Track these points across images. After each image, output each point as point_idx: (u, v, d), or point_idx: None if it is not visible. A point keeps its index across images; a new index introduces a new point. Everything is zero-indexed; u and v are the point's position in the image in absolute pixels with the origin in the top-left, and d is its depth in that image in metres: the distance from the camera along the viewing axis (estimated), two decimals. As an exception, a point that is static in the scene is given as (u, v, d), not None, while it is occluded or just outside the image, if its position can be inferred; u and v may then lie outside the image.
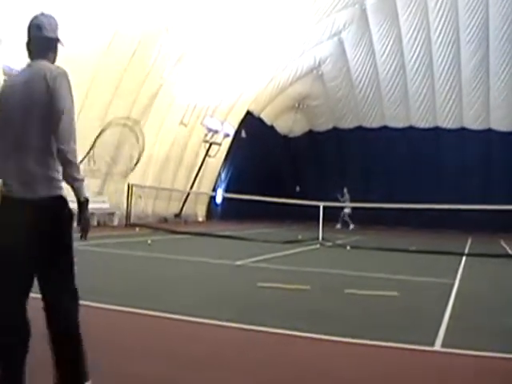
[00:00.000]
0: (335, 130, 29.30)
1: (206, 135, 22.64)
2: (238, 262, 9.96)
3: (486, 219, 20.85)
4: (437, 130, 27.06)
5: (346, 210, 22.94)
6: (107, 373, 3.61)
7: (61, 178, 2.90)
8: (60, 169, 2.88)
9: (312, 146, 29.54)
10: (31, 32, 2.99)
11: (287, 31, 21.23)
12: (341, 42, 25.33)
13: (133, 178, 18.85)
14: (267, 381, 3.71)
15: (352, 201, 21.79)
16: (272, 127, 28.88)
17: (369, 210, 19.98)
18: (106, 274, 8.23)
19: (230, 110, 23.73)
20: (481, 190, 23.88)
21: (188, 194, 22.75)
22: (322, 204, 15.91)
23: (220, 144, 23.67)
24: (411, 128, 27.52)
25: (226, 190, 26.19)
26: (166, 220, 21.55)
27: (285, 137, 30.40)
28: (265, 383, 3.68)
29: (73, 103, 2.89)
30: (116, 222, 18.65)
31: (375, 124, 28.27)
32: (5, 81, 3.14)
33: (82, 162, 3.18)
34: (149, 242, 12.80)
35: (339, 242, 15.27)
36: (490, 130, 25.99)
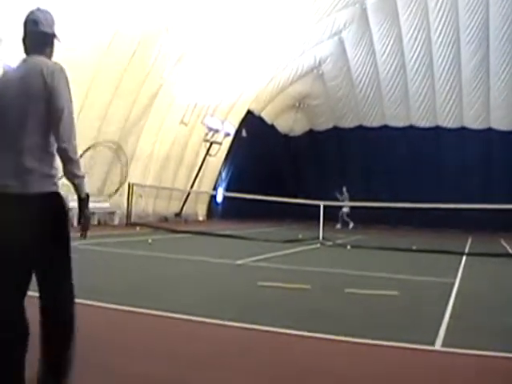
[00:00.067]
0: (336, 129, 29.29)
1: (206, 134, 22.64)
2: (239, 262, 9.96)
3: (486, 218, 20.86)
4: (437, 129, 27.04)
5: (345, 210, 22.93)
6: (107, 372, 3.62)
7: (57, 174, 2.90)
8: (56, 165, 2.88)
9: (312, 145, 29.54)
10: (27, 27, 2.98)
11: (287, 30, 21.23)
12: (341, 42, 25.31)
13: (133, 178, 18.89)
14: (268, 380, 3.71)
15: (353, 200, 21.77)
16: (272, 126, 28.88)
17: (369, 209, 19.98)
18: (106, 273, 8.23)
19: (230, 109, 23.74)
20: (481, 189, 23.87)
21: (188, 194, 22.76)
22: (322, 203, 15.92)
23: (220, 143, 23.68)
24: (411, 127, 27.51)
25: (227, 189, 26.20)
26: (166, 219, 21.56)
27: (285, 136, 30.39)
28: (266, 382, 3.68)
29: (71, 99, 2.88)
30: (116, 221, 18.66)
31: (376, 123, 28.25)
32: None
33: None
34: (149, 241, 12.81)
35: (339, 241, 15.28)
36: (490, 130, 25.96)
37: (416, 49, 24.73)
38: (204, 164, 23.14)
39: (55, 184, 2.89)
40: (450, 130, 26.71)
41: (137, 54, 16.64)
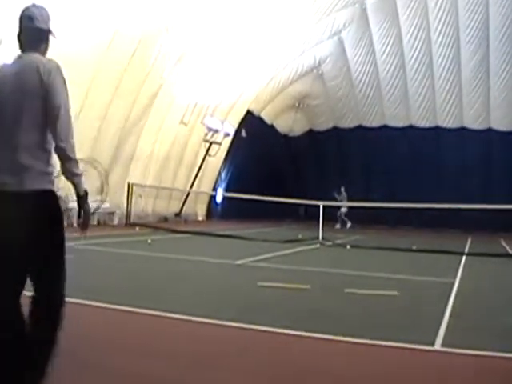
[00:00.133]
0: (335, 129, 29.29)
1: (206, 134, 22.64)
2: (238, 262, 9.96)
3: (486, 219, 20.87)
4: (437, 129, 27.05)
5: (343, 209, 22.94)
6: (107, 372, 3.62)
7: (54, 172, 2.89)
8: (53, 162, 2.87)
9: (312, 145, 29.55)
10: (22, 23, 2.96)
11: (287, 30, 21.23)
12: (341, 42, 25.31)
13: (133, 178, 18.89)
14: (267, 380, 3.71)
15: (352, 200, 21.77)
16: (272, 126, 28.88)
17: (369, 209, 19.99)
18: (106, 273, 8.22)
19: (230, 110, 23.74)
20: (481, 189, 23.88)
21: (188, 194, 22.76)
22: (321, 203, 15.93)
23: (220, 143, 23.68)
24: (411, 127, 27.51)
25: (226, 190, 26.20)
26: (166, 219, 21.56)
27: (285, 136, 30.39)
28: (265, 382, 3.68)
29: (68, 97, 2.87)
30: (116, 222, 18.65)
31: (375, 123, 28.25)
32: None
33: None
34: (149, 241, 12.80)
35: (339, 241, 15.28)
36: (490, 130, 25.96)
37: (416, 49, 24.73)
38: (204, 164, 23.14)
39: (51, 182, 2.88)
40: (449, 130, 26.71)
41: (137, 53, 16.64)
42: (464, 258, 12.46)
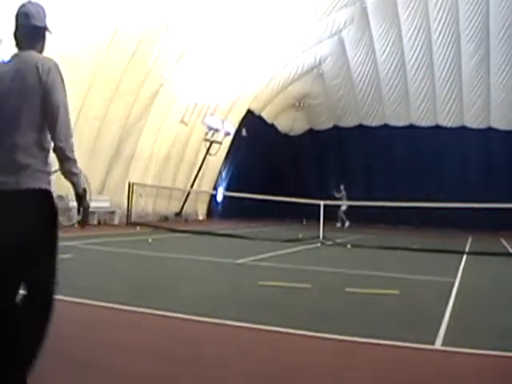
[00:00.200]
0: (336, 128, 29.29)
1: (206, 134, 22.64)
2: (239, 261, 9.96)
3: (486, 218, 20.84)
4: (437, 128, 27.05)
5: (342, 208, 22.95)
6: (108, 371, 3.62)
7: (51, 170, 2.89)
8: (50, 161, 2.87)
9: (313, 144, 29.54)
10: (18, 20, 2.94)
11: (288, 30, 21.23)
12: (341, 41, 25.31)
13: (133, 177, 18.90)
14: (267, 379, 3.71)
15: (353, 199, 21.77)
16: (272, 126, 28.89)
17: (369, 208, 19.98)
18: (106, 272, 8.22)
19: (230, 109, 23.74)
20: (481, 188, 23.87)
21: (189, 193, 22.77)
22: (322, 202, 15.93)
23: (221, 142, 23.67)
24: (412, 127, 27.50)
25: (227, 189, 26.20)
26: (166, 219, 21.57)
27: (285, 135, 30.40)
28: (265, 381, 3.68)
29: (66, 96, 2.86)
30: (117, 221, 18.65)
31: (376, 122, 28.25)
32: None
33: None
34: (149, 240, 12.80)
35: (340, 240, 15.28)
36: (490, 129, 25.97)
37: (416, 48, 24.72)
38: (204, 163, 23.14)
39: (48, 181, 2.88)
40: (450, 130, 26.71)
41: (137, 52, 16.63)
42: (464, 257, 12.47)
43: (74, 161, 2.87)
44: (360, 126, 28.60)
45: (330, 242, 14.77)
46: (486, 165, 25.81)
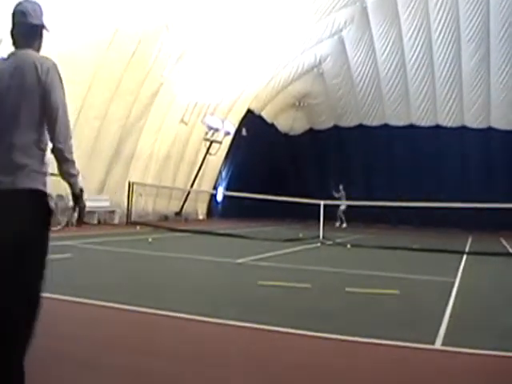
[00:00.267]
0: (336, 128, 29.30)
1: (206, 133, 22.64)
2: (239, 260, 9.96)
3: (486, 217, 20.86)
4: (437, 128, 27.05)
5: (341, 207, 22.96)
6: (108, 370, 3.62)
7: (47, 171, 2.88)
8: (46, 161, 2.86)
9: (313, 144, 29.55)
10: (15, 18, 2.91)
11: (288, 29, 21.23)
12: (341, 41, 25.31)
13: (134, 177, 18.90)
14: (267, 379, 3.71)
15: (353, 199, 21.76)
16: (273, 125, 28.89)
17: (369, 208, 19.98)
18: (106, 271, 8.23)
19: (230, 108, 23.74)
20: (481, 188, 23.87)
21: (188, 192, 22.76)
22: (322, 202, 15.93)
23: (221, 142, 23.67)
24: (412, 126, 27.51)
25: (227, 188, 26.19)
26: (166, 218, 21.57)
27: (285, 135, 30.40)
28: (265, 381, 3.68)
29: (65, 96, 2.84)
30: (117, 220, 18.65)
31: (376, 122, 28.25)
32: None
33: None
34: (149, 240, 12.80)
35: (340, 240, 15.28)
36: (490, 129, 25.98)
37: (416, 48, 24.72)
38: (204, 163, 23.14)
39: (43, 182, 2.85)
40: (450, 129, 26.72)
41: (137, 52, 16.62)
42: (465, 257, 12.47)
43: (73, 162, 2.86)
44: (360, 126, 28.60)
45: (330, 242, 14.77)
46: (486, 165, 25.82)
